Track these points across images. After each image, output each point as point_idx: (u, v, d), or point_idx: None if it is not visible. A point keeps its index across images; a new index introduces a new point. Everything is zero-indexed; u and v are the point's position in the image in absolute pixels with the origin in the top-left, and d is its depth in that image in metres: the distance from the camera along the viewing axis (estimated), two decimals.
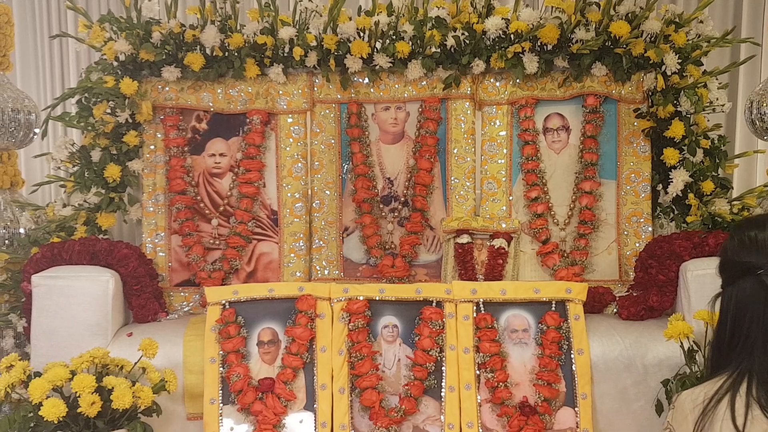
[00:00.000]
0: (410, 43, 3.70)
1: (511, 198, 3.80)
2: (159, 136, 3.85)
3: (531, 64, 3.65)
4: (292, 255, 3.82)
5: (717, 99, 3.71)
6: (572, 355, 3.28)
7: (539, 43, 3.68)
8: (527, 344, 3.34)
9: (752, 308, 1.79)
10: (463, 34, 3.68)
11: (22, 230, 4.10)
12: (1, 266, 3.84)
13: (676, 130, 3.61)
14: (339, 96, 3.83)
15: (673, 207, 3.73)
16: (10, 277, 3.81)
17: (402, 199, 3.84)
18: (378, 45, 3.73)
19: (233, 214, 3.83)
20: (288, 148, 3.85)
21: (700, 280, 3.30)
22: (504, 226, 3.71)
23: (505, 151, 3.81)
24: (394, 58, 3.70)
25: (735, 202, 3.71)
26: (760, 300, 1.77)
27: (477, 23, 3.69)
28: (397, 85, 3.82)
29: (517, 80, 3.74)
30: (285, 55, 3.76)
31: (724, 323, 1.88)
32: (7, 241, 4.10)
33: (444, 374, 3.27)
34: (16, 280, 3.74)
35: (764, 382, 1.74)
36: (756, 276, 1.77)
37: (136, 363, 3.04)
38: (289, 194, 3.84)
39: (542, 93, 3.79)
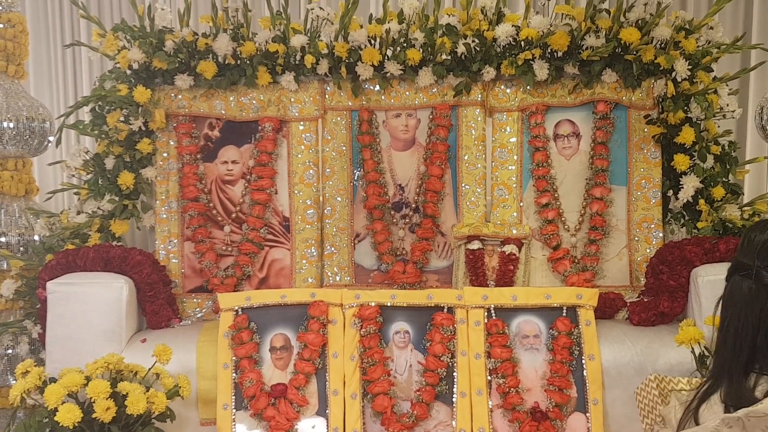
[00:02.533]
0: (421, 50, 3.71)
1: (521, 204, 3.81)
2: (172, 143, 3.87)
3: (541, 70, 3.66)
4: (304, 261, 3.84)
5: (727, 105, 3.72)
6: (583, 361, 3.28)
7: (549, 50, 3.69)
8: (538, 350, 3.34)
9: (733, 308, 1.80)
10: (473, 41, 3.69)
11: (36, 237, 4.13)
12: (16, 273, 3.87)
13: (687, 136, 3.61)
14: (350, 103, 3.85)
15: (684, 213, 3.74)
16: (25, 283, 3.83)
17: (413, 205, 3.85)
18: (389, 52, 3.74)
19: (245, 221, 3.85)
20: (300, 155, 3.87)
21: (711, 285, 3.29)
22: (515, 232, 3.72)
23: (515, 157, 3.82)
24: (405, 66, 3.72)
25: (746, 208, 3.70)
26: (740, 299, 1.78)
27: (487, 30, 3.70)
28: (407, 93, 3.84)
29: (528, 87, 3.75)
30: (296, 62, 3.78)
31: (720, 323, 1.89)
32: (22, 248, 4.13)
33: (455, 380, 3.28)
34: (31, 286, 3.76)
35: (732, 383, 1.74)
36: (741, 275, 1.78)
37: (150, 369, 3.06)
38: (300, 201, 3.86)
39: (552, 99, 3.80)
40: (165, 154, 3.87)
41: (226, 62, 3.76)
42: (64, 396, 2.87)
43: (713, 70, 3.74)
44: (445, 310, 3.38)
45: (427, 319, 3.38)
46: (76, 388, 2.90)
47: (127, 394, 2.90)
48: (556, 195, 3.79)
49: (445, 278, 3.81)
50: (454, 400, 3.26)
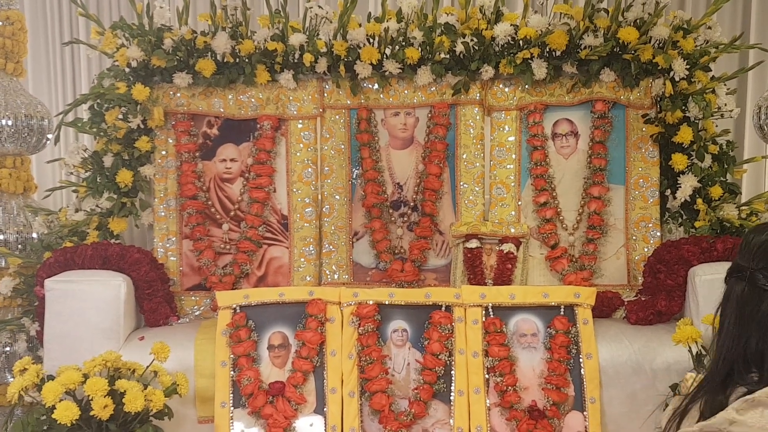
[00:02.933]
0: (419, 49, 3.71)
1: (519, 203, 3.81)
2: (170, 141, 3.87)
3: (540, 69, 3.67)
4: (302, 259, 3.84)
5: (725, 104, 3.71)
6: (581, 360, 3.28)
7: (548, 49, 3.69)
8: (536, 348, 3.34)
9: (728, 311, 1.78)
10: (472, 40, 3.69)
11: (35, 235, 4.13)
12: (14, 271, 3.86)
13: (685, 135, 3.61)
14: (349, 102, 3.85)
15: (682, 212, 3.73)
16: (24, 281, 3.83)
17: (411, 204, 3.85)
18: (388, 51, 3.74)
19: (244, 219, 3.85)
20: (298, 154, 3.86)
21: (709, 284, 3.29)
22: (513, 230, 3.72)
23: (513, 156, 3.82)
24: (404, 64, 3.72)
25: (743, 207, 3.71)
26: (734, 301, 1.76)
27: (486, 29, 3.70)
28: (406, 91, 3.84)
29: (526, 86, 3.75)
30: (295, 61, 3.78)
31: (719, 328, 1.86)
32: (20, 246, 4.13)
33: (453, 378, 3.28)
34: (29, 284, 3.76)
35: (711, 392, 1.71)
36: (736, 278, 1.77)
37: (147, 366, 3.06)
38: (299, 199, 3.86)
39: (551, 99, 3.80)
40: (163, 152, 3.87)
41: (225, 60, 3.76)
42: (61, 394, 2.87)
43: (711, 70, 3.74)
44: (443, 308, 3.38)
45: (425, 317, 3.38)
46: (73, 386, 2.90)
47: (124, 391, 2.90)
48: (554, 194, 3.79)
49: (443, 277, 3.81)
50: (451, 398, 3.26)
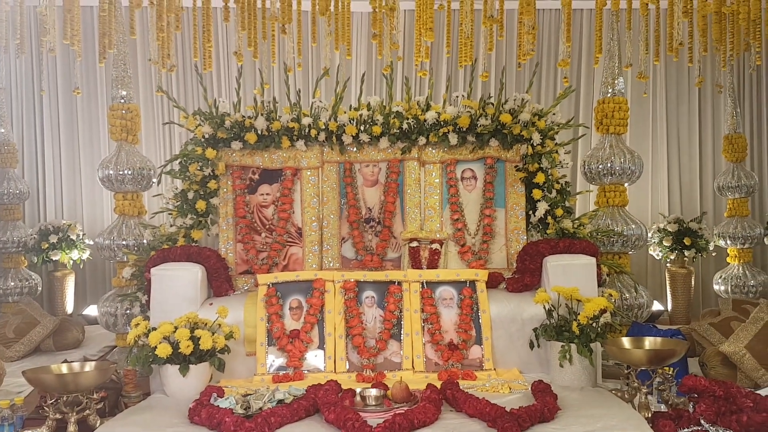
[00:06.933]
0: (381, 126, 3.72)
1: (442, 219, 3.81)
2: (229, 183, 3.82)
3: (453, 139, 3.69)
4: (310, 254, 3.81)
5: (564, 159, 3.76)
6: (479, 314, 3.29)
7: (458, 127, 3.71)
8: (452, 307, 3.35)
9: None
10: (413, 121, 3.71)
11: (145, 241, 4.11)
12: (132, 263, 3.80)
13: (540, 178, 3.65)
14: (338, 158, 3.83)
15: (539, 224, 3.76)
16: (138, 270, 3.76)
17: (377, 220, 3.84)
18: (362, 127, 3.74)
19: (275, 230, 3.81)
20: (308, 190, 3.84)
21: (555, 268, 3.34)
22: (438, 236, 3.72)
23: (438, 191, 3.83)
24: (371, 136, 3.73)
25: (576, 221, 3.75)
26: None
27: (421, 115, 3.72)
28: (373, 152, 3.83)
29: (445, 149, 3.77)
30: (306, 134, 3.76)
31: None
32: (136, 248, 4.09)
33: (402, 326, 3.27)
34: (142, 271, 3.70)
35: None
36: None
37: (214, 321, 3.03)
38: (308, 217, 3.82)
39: (460, 156, 3.81)
40: (225, 189, 3.83)
41: (263, 134, 3.74)
42: (161, 339, 2.86)
43: (555, 139, 3.78)
44: (396, 283, 3.38)
45: (385, 289, 3.37)
46: (168, 334, 2.88)
47: (200, 337, 2.88)
48: (463, 214, 3.79)
49: (397, 264, 3.79)
50: (402, 338, 3.25)
